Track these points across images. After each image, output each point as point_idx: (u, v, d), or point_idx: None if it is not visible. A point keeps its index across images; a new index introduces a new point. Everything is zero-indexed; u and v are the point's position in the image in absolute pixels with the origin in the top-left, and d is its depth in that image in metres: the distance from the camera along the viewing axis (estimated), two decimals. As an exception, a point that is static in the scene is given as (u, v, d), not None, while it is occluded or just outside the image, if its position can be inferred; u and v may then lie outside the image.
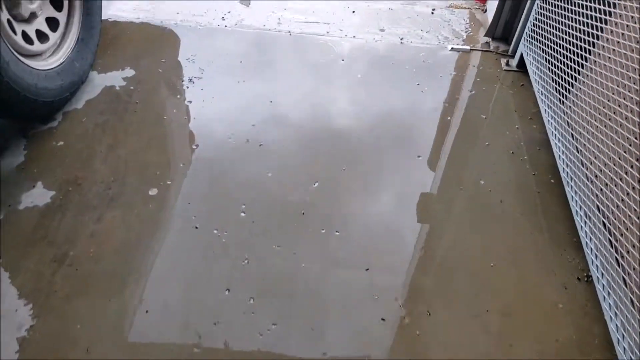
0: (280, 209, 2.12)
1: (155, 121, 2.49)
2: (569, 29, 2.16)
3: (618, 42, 1.79)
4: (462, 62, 2.90)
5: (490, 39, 3.01)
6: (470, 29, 3.18)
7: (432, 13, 3.32)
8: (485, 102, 2.64)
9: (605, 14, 1.87)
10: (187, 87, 2.68)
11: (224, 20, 3.21)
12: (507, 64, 2.81)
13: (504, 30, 2.93)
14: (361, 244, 2.00)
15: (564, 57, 2.20)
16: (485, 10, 3.25)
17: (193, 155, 2.32)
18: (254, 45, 3.00)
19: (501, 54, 2.92)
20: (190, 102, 2.60)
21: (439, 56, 2.93)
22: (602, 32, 1.94)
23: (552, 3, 2.35)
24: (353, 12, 3.33)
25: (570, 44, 2.14)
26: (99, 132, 2.41)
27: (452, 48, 2.93)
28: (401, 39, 3.08)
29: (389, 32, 3.15)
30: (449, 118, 2.53)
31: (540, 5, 2.47)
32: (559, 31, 2.26)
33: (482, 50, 2.95)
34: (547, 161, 2.32)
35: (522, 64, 2.75)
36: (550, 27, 2.36)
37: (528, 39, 2.63)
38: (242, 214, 2.09)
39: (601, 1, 1.88)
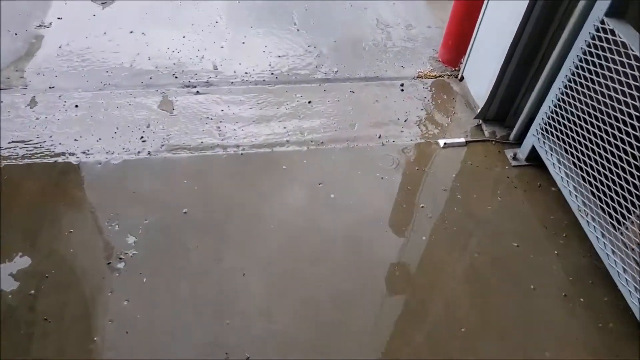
0: None
1: (83, 349, 1.68)
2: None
3: None
4: (462, 161, 2.37)
5: (481, 120, 2.52)
6: (452, 108, 2.67)
7: (402, 90, 2.76)
8: (507, 219, 2.12)
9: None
10: (118, 274, 1.88)
11: (144, 141, 2.39)
12: (515, 157, 2.34)
13: (498, 110, 2.45)
14: None
15: (621, 169, 1.74)
16: (462, 79, 2.76)
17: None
18: (194, 180, 2.22)
19: (501, 142, 2.44)
20: (127, 300, 1.80)
21: (433, 157, 2.38)
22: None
23: (585, 90, 1.89)
24: (309, 102, 2.67)
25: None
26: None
27: (445, 144, 2.39)
28: (379, 137, 2.49)
29: (363, 129, 2.52)
30: (476, 255, 2.00)
31: (564, 91, 1.97)
32: (603, 132, 1.80)
33: (479, 141, 2.46)
34: (607, 299, 1.87)
35: (532, 155, 2.28)
36: (581, 127, 1.90)
37: (543, 132, 2.17)
38: None
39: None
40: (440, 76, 2.88)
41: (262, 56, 2.96)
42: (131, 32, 3.08)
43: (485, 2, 2.41)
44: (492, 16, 2.37)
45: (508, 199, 2.19)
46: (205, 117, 2.55)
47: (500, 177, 2.28)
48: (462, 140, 2.42)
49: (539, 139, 2.18)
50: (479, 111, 2.48)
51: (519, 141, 2.39)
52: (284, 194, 2.20)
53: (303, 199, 2.18)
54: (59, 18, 3.14)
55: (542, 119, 2.13)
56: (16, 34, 2.99)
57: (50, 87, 2.67)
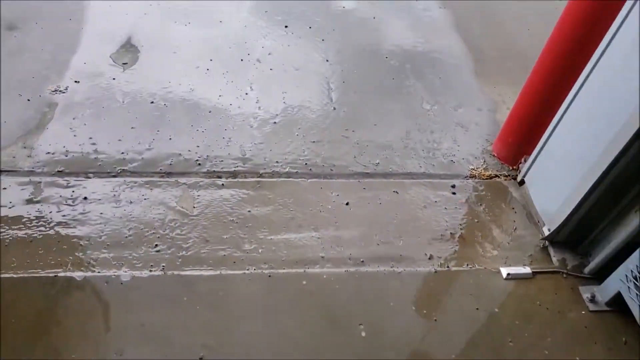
0: None
1: None
2: None
3: None
4: (529, 300, 1.99)
5: (548, 242, 2.16)
6: (513, 221, 2.31)
7: (454, 194, 2.42)
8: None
9: None
10: None
11: (158, 251, 2.07)
12: (592, 299, 1.97)
13: (572, 233, 2.08)
14: None
15: None
16: (522, 182, 2.41)
17: None
18: (214, 310, 1.88)
19: (574, 275, 2.07)
20: None
21: (495, 292, 2.02)
22: None
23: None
24: (347, 204, 2.34)
25: None
26: None
27: (508, 274, 2.04)
28: (429, 257, 2.14)
29: (410, 245, 2.16)
30: None
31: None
32: None
33: (547, 272, 2.09)
34: None
35: (615, 300, 1.91)
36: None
37: (636, 281, 1.79)
38: None
39: None
40: (496, 176, 2.52)
41: (294, 140, 2.64)
42: (152, 102, 2.80)
43: (570, 98, 2.01)
44: (582, 120, 1.98)
45: (588, 360, 1.83)
46: (230, 219, 2.24)
47: (576, 327, 1.91)
48: (528, 270, 2.05)
49: (629, 288, 1.81)
50: (548, 233, 2.12)
51: (596, 276, 2.02)
52: (319, 341, 1.85)
53: (341, 347, 1.83)
54: (76, 81, 2.87)
55: (637, 265, 1.77)
56: (29, 100, 2.73)
57: (58, 171, 2.38)
